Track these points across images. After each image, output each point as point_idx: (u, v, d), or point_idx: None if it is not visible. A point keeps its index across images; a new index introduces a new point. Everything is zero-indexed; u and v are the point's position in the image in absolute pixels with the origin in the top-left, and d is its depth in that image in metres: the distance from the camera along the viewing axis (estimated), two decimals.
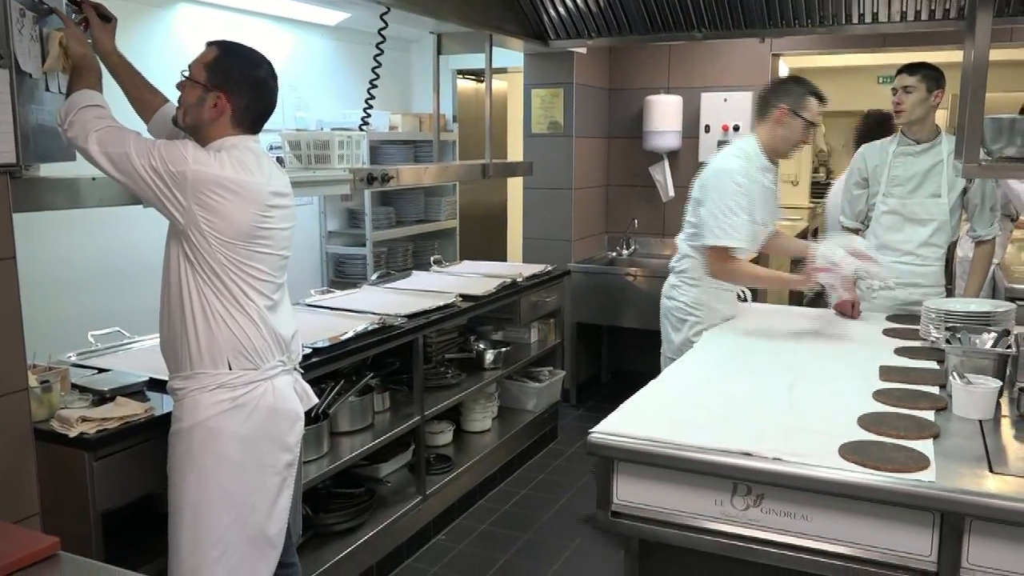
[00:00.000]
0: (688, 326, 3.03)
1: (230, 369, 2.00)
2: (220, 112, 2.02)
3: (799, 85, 2.93)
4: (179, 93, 2.05)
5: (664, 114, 5.02)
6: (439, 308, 3.44)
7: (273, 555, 2.12)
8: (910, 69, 3.19)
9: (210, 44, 2.06)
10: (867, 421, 1.92)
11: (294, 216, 2.17)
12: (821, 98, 2.92)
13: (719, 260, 2.89)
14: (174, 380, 2.04)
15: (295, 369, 2.20)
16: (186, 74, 2.03)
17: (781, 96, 2.91)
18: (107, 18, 2.17)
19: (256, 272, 2.02)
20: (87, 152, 1.93)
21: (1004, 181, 3.91)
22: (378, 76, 3.26)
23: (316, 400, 2.31)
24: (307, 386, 2.25)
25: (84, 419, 1.98)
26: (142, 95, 2.25)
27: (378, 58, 3.24)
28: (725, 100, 4.93)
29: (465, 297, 3.67)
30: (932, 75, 3.16)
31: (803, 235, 7.23)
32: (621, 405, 2.10)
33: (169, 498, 2.03)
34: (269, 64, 2.11)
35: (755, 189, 2.90)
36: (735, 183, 2.84)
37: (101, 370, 2.43)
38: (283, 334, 2.11)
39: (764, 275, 3.14)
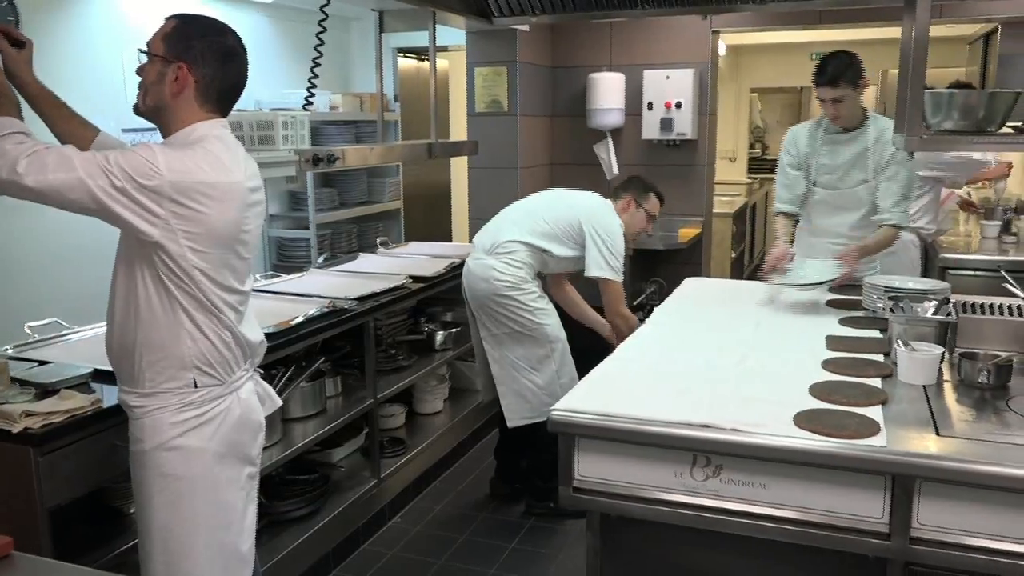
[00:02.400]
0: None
1: (195, 387, 1.85)
2: (183, 86, 1.82)
3: (644, 182, 3.49)
4: (139, 79, 1.85)
5: (607, 92, 5.03)
6: (389, 290, 3.41)
7: (247, 574, 2.01)
8: (830, 80, 2.99)
9: (169, 17, 1.87)
10: (818, 390, 1.97)
11: (265, 209, 2.00)
12: (662, 198, 3.49)
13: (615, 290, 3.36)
14: (129, 396, 1.86)
15: (255, 371, 2.08)
16: (144, 51, 1.85)
17: (628, 188, 3.45)
18: (19, 43, 1.90)
19: (228, 283, 1.87)
20: (18, 185, 1.64)
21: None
22: (321, 55, 3.19)
23: (280, 403, 2.20)
24: (269, 388, 2.13)
25: (28, 413, 1.91)
26: (71, 128, 2.00)
27: (320, 35, 3.17)
28: (667, 77, 4.96)
29: (415, 278, 3.65)
30: (853, 72, 3.00)
31: (742, 211, 7.39)
32: (580, 382, 2.12)
33: (137, 520, 1.92)
34: (236, 34, 1.92)
35: None
36: (620, 232, 3.33)
37: (42, 362, 2.34)
38: (252, 341, 1.99)
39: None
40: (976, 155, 4.12)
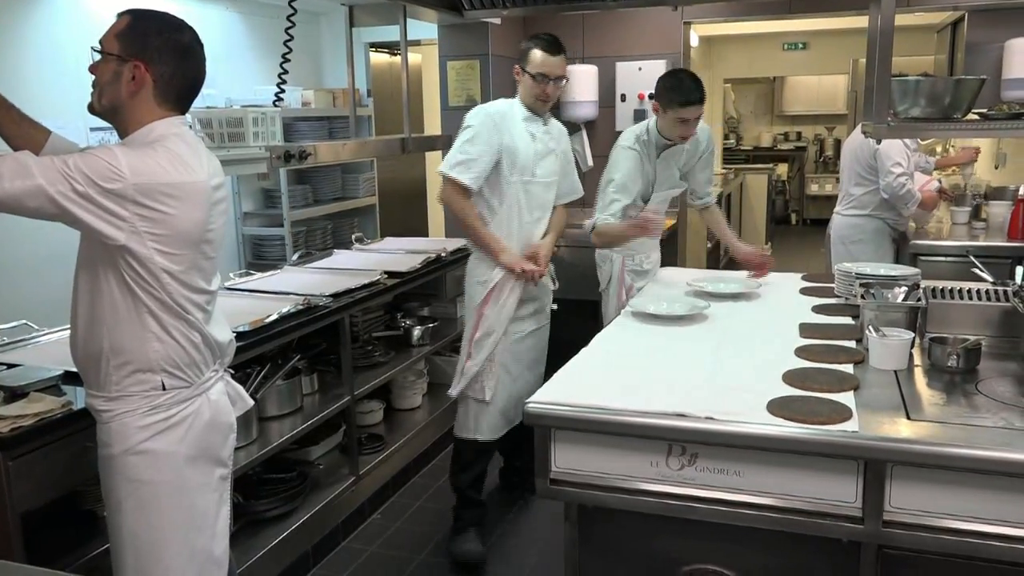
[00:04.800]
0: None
1: (164, 389, 1.82)
2: (140, 85, 1.78)
3: (529, 41, 3.04)
4: (93, 78, 1.80)
5: (580, 84, 5.02)
6: (364, 286, 3.39)
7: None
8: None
9: (122, 13, 1.82)
10: (791, 377, 1.99)
11: (229, 207, 1.97)
12: (551, 50, 2.97)
13: (445, 185, 3.02)
14: (96, 400, 1.83)
15: (225, 371, 2.04)
16: (97, 49, 1.80)
17: (518, 56, 3.07)
18: None
19: (196, 283, 1.84)
20: None
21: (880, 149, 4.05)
22: (290, 50, 3.16)
23: (251, 403, 2.17)
24: (240, 388, 2.10)
25: None
26: (22, 131, 1.92)
27: (289, 31, 3.14)
28: (640, 69, 4.97)
29: (390, 274, 3.63)
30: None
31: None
32: (555, 375, 2.12)
33: (108, 525, 1.89)
34: (192, 30, 1.87)
35: (514, 135, 3.03)
36: (475, 123, 2.99)
37: (10, 365, 2.30)
38: (221, 341, 1.96)
39: (476, 229, 3.09)
40: (908, 186, 4.10)
